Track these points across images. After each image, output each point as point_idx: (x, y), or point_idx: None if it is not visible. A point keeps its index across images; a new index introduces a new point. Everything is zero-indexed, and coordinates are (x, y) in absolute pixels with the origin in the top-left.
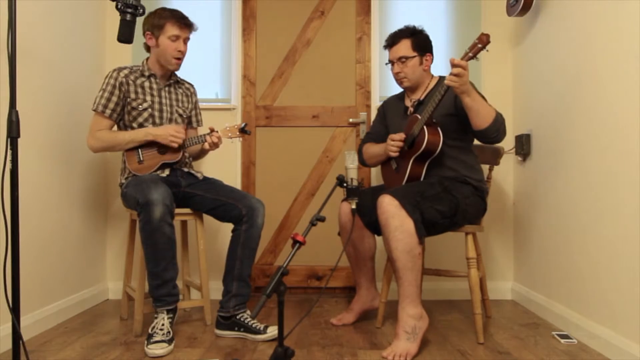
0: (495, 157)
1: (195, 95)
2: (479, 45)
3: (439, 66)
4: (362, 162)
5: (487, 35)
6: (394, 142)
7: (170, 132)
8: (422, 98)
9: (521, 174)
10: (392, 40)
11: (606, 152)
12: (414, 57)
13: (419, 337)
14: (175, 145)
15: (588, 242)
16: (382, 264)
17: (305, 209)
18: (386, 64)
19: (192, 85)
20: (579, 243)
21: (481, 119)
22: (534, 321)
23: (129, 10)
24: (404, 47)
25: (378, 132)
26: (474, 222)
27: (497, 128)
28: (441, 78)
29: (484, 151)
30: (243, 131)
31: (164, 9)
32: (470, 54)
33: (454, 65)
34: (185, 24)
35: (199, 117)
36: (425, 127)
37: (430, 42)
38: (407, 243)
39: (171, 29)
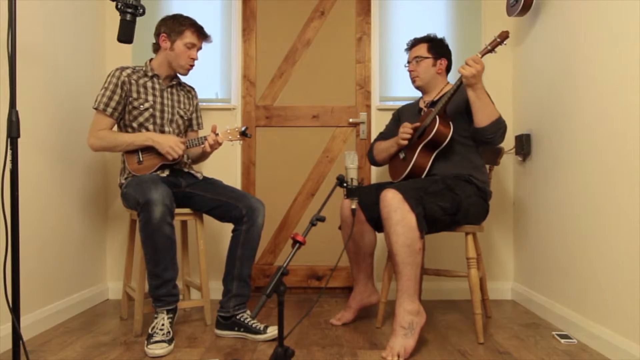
0: (495, 157)
1: (196, 98)
2: (498, 40)
3: None
4: (372, 159)
5: (507, 32)
6: (405, 129)
7: (170, 144)
8: (436, 99)
9: (521, 174)
10: (412, 43)
11: (606, 152)
12: (428, 58)
13: (417, 332)
14: (170, 158)
15: (588, 242)
16: (382, 263)
17: (305, 209)
18: (405, 65)
19: (193, 89)
20: (579, 243)
21: (480, 117)
22: (534, 321)
23: (129, 10)
24: (421, 49)
25: (391, 133)
26: (475, 223)
27: (494, 131)
28: (457, 80)
29: (484, 151)
30: (243, 134)
31: (183, 16)
32: (489, 47)
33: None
34: (203, 34)
35: (200, 120)
36: (437, 117)
37: (447, 49)
38: (408, 237)
39: (190, 37)
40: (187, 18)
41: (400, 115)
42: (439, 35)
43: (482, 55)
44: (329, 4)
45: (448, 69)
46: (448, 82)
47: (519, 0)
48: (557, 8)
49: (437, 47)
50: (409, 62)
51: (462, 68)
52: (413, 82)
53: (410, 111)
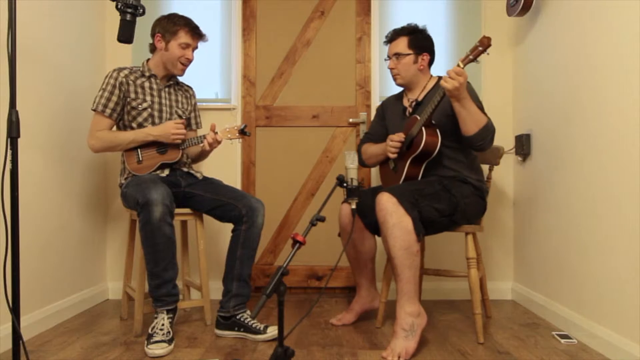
0: (495, 157)
1: (194, 97)
2: (480, 48)
3: (439, 67)
4: (361, 162)
5: (489, 38)
6: (393, 142)
7: (171, 131)
8: (420, 99)
9: (521, 174)
10: (391, 37)
11: (606, 152)
12: (409, 55)
13: (417, 334)
14: (179, 141)
15: (588, 242)
16: (382, 264)
17: (305, 209)
18: (385, 59)
19: (190, 88)
20: (579, 243)
21: (467, 127)
22: (534, 321)
23: (129, 10)
24: (401, 44)
25: (377, 132)
26: (473, 221)
27: (483, 138)
28: (440, 78)
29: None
30: (242, 132)
31: (178, 15)
32: (471, 57)
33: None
34: (197, 34)
35: (198, 120)
36: (423, 128)
37: (429, 42)
38: (405, 240)
39: (184, 37)
40: (182, 18)
41: (384, 112)
42: (428, 30)
43: (464, 66)
44: (329, 4)
45: (431, 62)
46: (432, 76)
47: (519, 0)
48: (557, 8)
49: (418, 41)
50: (389, 57)
51: (445, 81)
52: (394, 79)
53: (394, 109)
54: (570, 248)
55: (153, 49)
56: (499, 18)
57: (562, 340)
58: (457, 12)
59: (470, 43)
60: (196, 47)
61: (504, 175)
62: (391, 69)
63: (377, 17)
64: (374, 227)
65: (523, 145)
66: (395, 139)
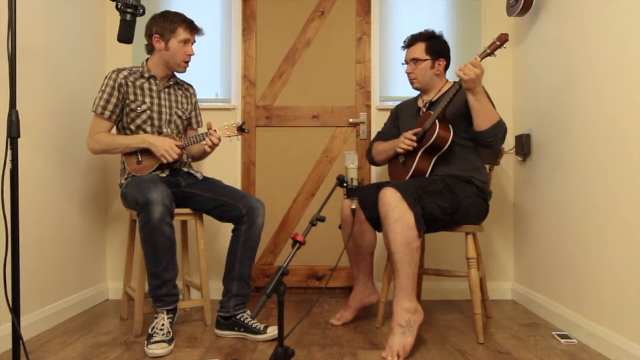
0: (495, 157)
1: (195, 96)
2: (498, 43)
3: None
4: (371, 160)
5: (506, 34)
6: (407, 139)
7: (165, 147)
8: (434, 99)
9: (521, 174)
10: (409, 42)
11: (606, 152)
12: (426, 60)
13: (414, 330)
14: (164, 161)
15: (588, 242)
16: (382, 263)
17: (305, 209)
18: (402, 64)
19: (191, 86)
20: (579, 243)
21: (481, 121)
22: (534, 321)
23: (129, 10)
24: (418, 49)
25: (389, 132)
26: (474, 223)
27: (494, 134)
28: (455, 83)
29: (484, 151)
30: (241, 129)
31: (172, 13)
32: (488, 51)
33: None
34: (195, 28)
35: (199, 118)
36: (437, 121)
37: (446, 48)
38: (406, 236)
39: (183, 33)
40: (177, 14)
41: (398, 114)
42: (438, 30)
43: (482, 59)
44: (329, 4)
45: (447, 67)
46: (447, 81)
47: (519, 0)
48: (557, 8)
49: (435, 47)
50: (406, 62)
51: (462, 72)
52: (411, 83)
53: (408, 110)
54: (570, 248)
55: (151, 49)
56: (499, 18)
57: (562, 340)
58: (457, 12)
59: (470, 43)
60: (194, 41)
61: (504, 175)
62: (408, 73)
63: (377, 17)
64: (375, 221)
65: (523, 145)
66: (409, 136)
